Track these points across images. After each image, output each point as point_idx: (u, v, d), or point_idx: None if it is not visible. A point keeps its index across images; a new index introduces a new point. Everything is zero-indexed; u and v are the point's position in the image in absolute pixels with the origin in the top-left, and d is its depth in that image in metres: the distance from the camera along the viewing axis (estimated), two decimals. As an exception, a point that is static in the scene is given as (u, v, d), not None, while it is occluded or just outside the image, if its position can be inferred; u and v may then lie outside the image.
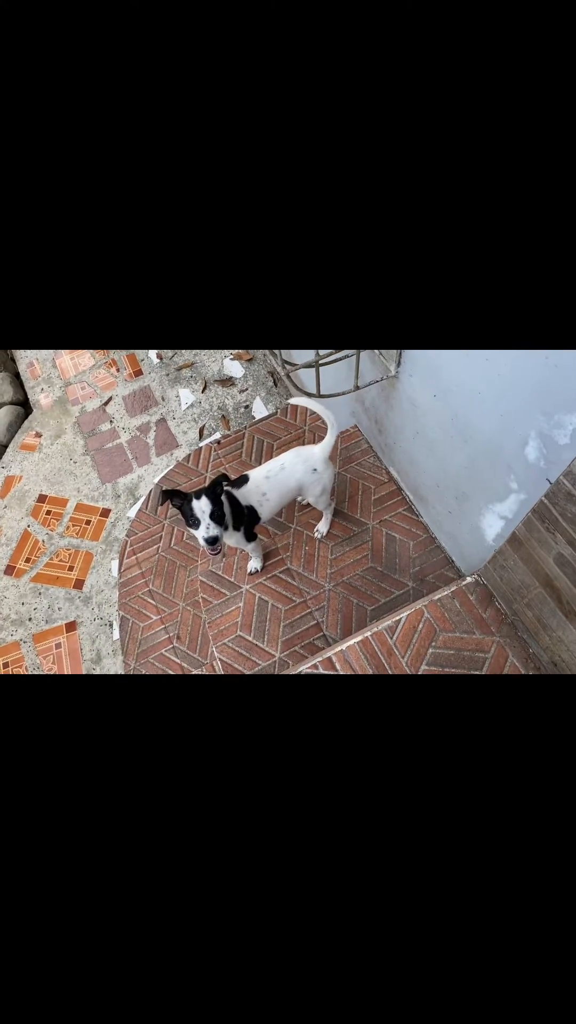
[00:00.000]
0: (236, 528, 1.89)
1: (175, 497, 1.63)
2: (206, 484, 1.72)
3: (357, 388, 1.89)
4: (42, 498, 3.19)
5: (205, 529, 1.62)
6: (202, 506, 1.61)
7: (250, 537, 2.01)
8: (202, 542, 1.64)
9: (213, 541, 1.63)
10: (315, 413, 2.97)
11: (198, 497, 1.61)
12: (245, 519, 1.90)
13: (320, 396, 1.84)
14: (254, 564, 2.25)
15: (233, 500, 1.84)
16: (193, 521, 1.63)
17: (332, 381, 2.21)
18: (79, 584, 2.91)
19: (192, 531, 1.66)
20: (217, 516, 1.63)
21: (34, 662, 2.75)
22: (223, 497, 1.70)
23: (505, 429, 1.45)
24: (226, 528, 1.71)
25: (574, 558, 1.26)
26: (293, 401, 1.96)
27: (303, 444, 2.81)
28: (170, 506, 2.86)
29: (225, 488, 1.78)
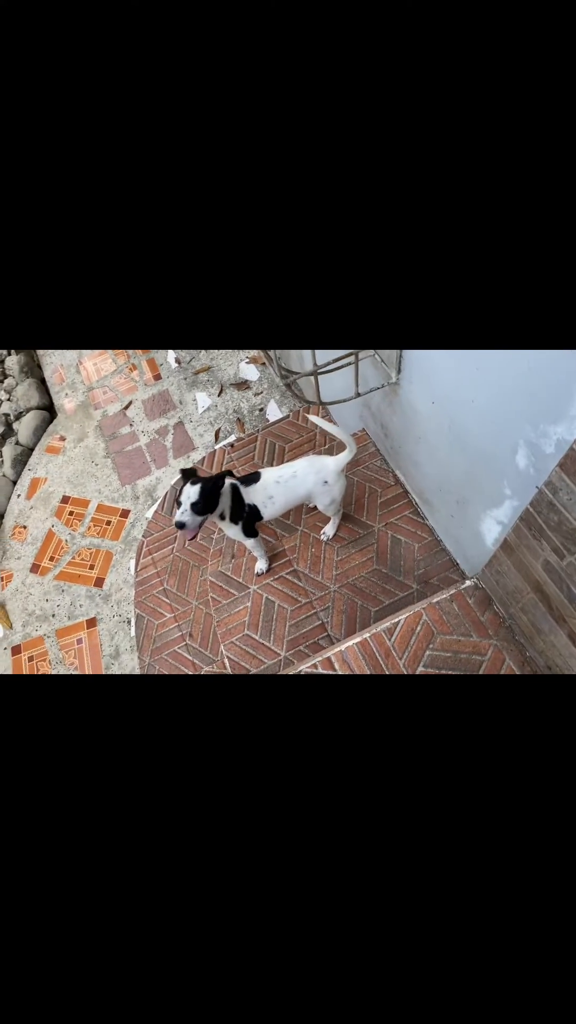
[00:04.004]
0: (234, 522, 1.98)
1: (188, 477, 1.77)
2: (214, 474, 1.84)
3: (358, 395, 1.94)
4: (65, 499, 3.33)
5: (179, 513, 1.74)
6: (189, 493, 1.73)
7: (248, 532, 2.08)
8: (173, 521, 1.78)
9: (179, 525, 1.75)
10: (312, 405, 3.02)
11: (193, 483, 1.74)
12: (244, 515, 1.98)
13: (321, 403, 1.89)
14: (260, 565, 2.32)
15: (237, 496, 1.92)
16: (176, 502, 1.75)
17: (339, 387, 2.26)
18: (99, 582, 3.04)
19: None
20: (198, 507, 1.74)
21: (57, 656, 2.89)
22: (223, 490, 1.82)
23: (497, 437, 1.48)
24: (204, 517, 1.81)
25: (559, 565, 1.28)
26: (311, 419, 2.02)
27: (314, 447, 2.87)
28: None
29: (231, 483, 1.90)
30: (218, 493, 1.80)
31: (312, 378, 1.76)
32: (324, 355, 1.79)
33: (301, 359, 2.66)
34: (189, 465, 3.25)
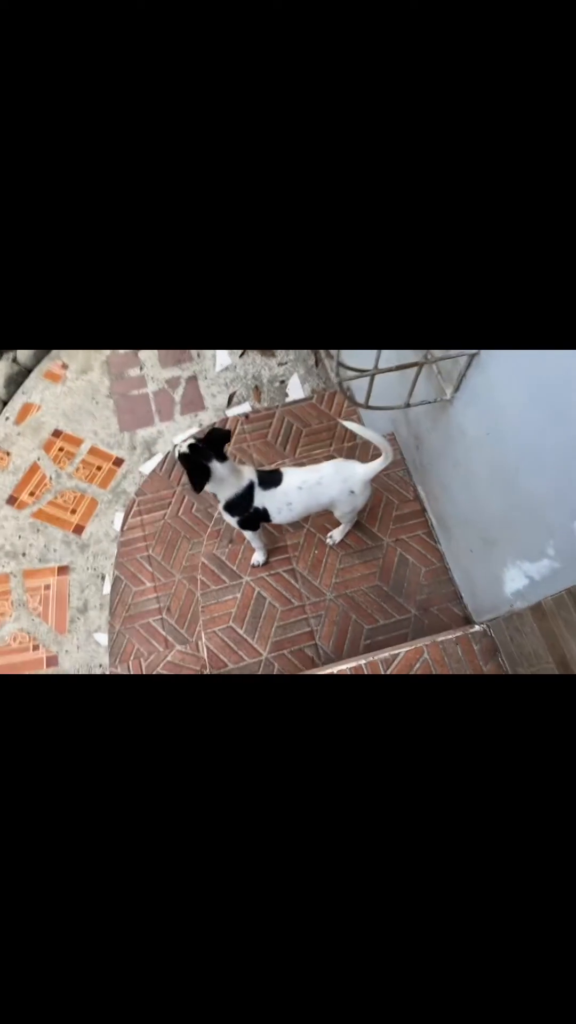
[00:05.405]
0: (232, 515, 1.83)
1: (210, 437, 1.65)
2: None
3: (408, 405, 1.78)
4: (57, 433, 3.09)
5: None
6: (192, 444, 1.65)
7: (245, 526, 1.93)
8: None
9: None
10: (352, 406, 2.84)
11: (199, 444, 1.64)
12: (247, 514, 1.82)
13: (368, 407, 1.72)
14: (258, 557, 2.18)
15: (247, 493, 1.76)
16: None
17: (380, 390, 2.08)
18: (79, 529, 2.86)
19: None
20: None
21: (20, 598, 2.73)
22: (222, 476, 1.69)
23: (558, 496, 1.35)
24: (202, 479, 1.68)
25: (600, 654, 1.19)
26: (345, 424, 1.84)
27: (333, 438, 2.70)
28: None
29: (250, 479, 1.76)
30: (197, 467, 1.64)
31: (359, 378, 1.58)
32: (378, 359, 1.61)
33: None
34: (195, 426, 3.04)
